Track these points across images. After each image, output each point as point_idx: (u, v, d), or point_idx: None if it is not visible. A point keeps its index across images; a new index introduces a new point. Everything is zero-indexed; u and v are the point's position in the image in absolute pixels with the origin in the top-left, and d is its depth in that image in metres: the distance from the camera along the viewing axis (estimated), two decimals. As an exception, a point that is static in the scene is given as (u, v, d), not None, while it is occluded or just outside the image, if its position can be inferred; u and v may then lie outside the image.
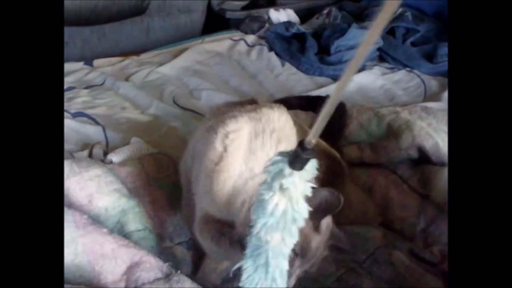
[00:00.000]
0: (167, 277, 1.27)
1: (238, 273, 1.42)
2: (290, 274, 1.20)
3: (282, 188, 0.97)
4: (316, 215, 1.17)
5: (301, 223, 1.02)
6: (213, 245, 1.31)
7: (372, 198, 1.80)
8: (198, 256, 1.50)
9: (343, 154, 1.82)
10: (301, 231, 1.14)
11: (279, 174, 0.97)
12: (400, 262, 1.50)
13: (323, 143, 1.68)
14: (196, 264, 1.50)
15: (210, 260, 1.44)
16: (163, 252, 1.49)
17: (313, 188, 1.02)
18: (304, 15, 3.55)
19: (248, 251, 1.08)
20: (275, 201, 0.98)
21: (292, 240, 1.04)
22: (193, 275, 1.43)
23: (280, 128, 1.35)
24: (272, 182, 0.98)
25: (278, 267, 1.06)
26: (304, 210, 1.01)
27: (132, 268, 1.28)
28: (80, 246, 1.29)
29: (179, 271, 1.30)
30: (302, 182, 0.98)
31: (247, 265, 1.08)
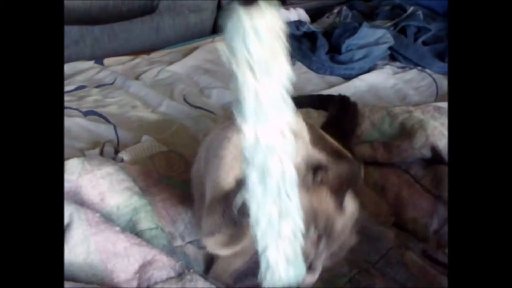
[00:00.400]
0: (180, 276, 1.26)
1: (252, 269, 1.42)
2: (317, 256, 1.20)
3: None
4: (337, 190, 1.16)
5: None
6: (219, 220, 1.27)
7: (384, 197, 1.79)
8: (210, 256, 1.49)
9: (355, 153, 1.81)
10: (323, 211, 1.14)
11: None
12: (413, 263, 1.49)
13: (335, 143, 1.67)
14: (208, 264, 1.49)
15: (222, 260, 1.43)
16: (174, 251, 1.48)
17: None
18: (315, 14, 3.54)
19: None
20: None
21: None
22: (205, 274, 1.43)
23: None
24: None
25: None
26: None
27: (144, 266, 1.27)
28: (92, 245, 1.29)
29: (191, 270, 1.29)
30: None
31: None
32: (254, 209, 1.08)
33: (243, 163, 1.06)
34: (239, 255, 1.40)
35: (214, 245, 1.32)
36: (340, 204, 1.21)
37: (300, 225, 1.11)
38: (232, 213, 1.17)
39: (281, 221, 1.08)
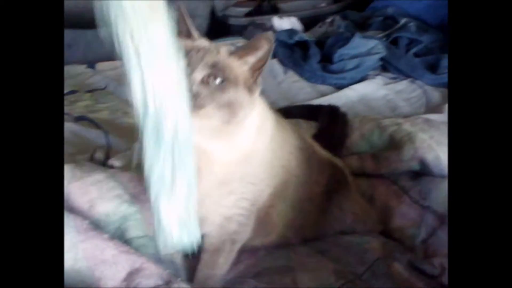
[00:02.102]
0: (167, 284, 1.26)
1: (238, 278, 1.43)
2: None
3: None
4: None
5: None
6: None
7: (372, 207, 1.80)
8: (195, 264, 1.49)
9: (344, 164, 1.82)
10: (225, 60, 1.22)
11: None
12: (399, 275, 1.49)
13: (325, 152, 1.68)
14: (193, 272, 1.50)
15: (202, 265, 1.44)
16: (162, 259, 1.48)
17: None
18: (308, 24, 3.57)
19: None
20: None
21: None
22: (190, 282, 1.43)
23: None
24: None
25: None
26: None
27: (132, 274, 1.27)
28: (80, 252, 1.29)
29: (179, 279, 1.30)
30: None
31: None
32: (148, 166, 1.09)
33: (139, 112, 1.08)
34: (218, 254, 1.43)
35: None
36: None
37: (194, 186, 1.12)
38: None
39: (175, 180, 1.09)
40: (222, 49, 1.28)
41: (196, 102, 1.18)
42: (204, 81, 1.22)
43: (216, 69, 1.23)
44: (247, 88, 1.28)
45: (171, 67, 1.07)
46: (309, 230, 1.61)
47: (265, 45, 1.27)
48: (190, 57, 1.22)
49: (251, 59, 1.29)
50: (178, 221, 1.13)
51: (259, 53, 1.28)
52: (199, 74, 1.22)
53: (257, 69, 1.30)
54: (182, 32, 1.31)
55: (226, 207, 1.41)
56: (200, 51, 1.25)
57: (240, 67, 1.28)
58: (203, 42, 1.33)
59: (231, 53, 1.28)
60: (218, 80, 1.22)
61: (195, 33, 1.34)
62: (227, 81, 1.24)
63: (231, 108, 1.25)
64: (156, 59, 1.04)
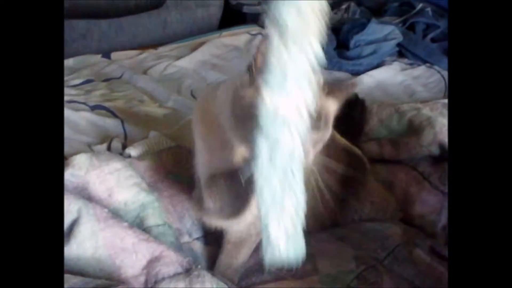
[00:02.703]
0: (187, 272, 1.26)
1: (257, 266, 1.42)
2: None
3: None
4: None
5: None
6: (225, 196, 1.29)
7: (392, 193, 1.79)
8: (214, 251, 1.49)
9: (363, 150, 1.81)
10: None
11: None
12: (421, 260, 1.49)
13: (343, 140, 1.67)
14: (212, 259, 1.49)
15: (225, 255, 1.43)
16: (181, 247, 1.48)
17: None
18: (323, 10, 3.53)
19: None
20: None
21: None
22: (209, 270, 1.42)
23: None
24: None
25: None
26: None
27: (152, 262, 1.27)
28: (100, 240, 1.29)
29: (199, 266, 1.29)
30: None
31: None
32: (260, 183, 1.07)
33: (256, 132, 1.04)
34: (242, 245, 1.41)
35: (216, 217, 1.35)
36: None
37: (302, 202, 1.11)
38: (239, 185, 1.16)
39: (284, 197, 1.07)
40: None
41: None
42: None
43: None
44: None
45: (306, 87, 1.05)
46: (328, 219, 1.60)
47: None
48: None
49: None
50: (286, 237, 1.12)
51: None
52: None
53: None
54: None
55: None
56: None
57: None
58: None
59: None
60: None
61: None
62: None
63: None
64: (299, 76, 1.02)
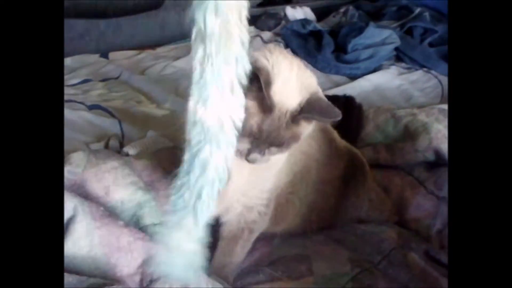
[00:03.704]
0: (183, 272, 1.25)
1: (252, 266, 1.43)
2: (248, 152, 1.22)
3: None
4: (307, 112, 1.19)
5: None
6: None
7: (387, 198, 1.79)
8: (209, 251, 1.49)
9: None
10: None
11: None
12: (415, 264, 1.49)
13: (344, 142, 1.67)
14: (208, 259, 1.49)
15: (219, 253, 1.43)
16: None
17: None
18: (321, 13, 3.55)
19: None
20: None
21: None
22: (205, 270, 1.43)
23: None
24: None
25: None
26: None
27: (147, 261, 1.27)
28: (96, 238, 1.28)
29: (195, 266, 1.29)
30: None
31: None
32: (179, 182, 1.12)
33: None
34: (235, 243, 1.43)
35: None
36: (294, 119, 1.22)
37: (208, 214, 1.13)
38: None
39: (196, 208, 1.11)
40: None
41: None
42: None
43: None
44: None
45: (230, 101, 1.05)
46: (328, 214, 1.61)
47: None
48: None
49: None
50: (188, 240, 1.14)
51: None
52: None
53: None
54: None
55: (248, 197, 1.41)
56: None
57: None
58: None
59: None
60: None
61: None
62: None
63: None
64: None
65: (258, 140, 1.20)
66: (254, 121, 1.17)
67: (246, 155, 1.22)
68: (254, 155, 1.22)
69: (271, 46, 1.28)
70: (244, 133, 1.15)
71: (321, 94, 1.24)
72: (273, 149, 1.22)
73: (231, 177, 1.24)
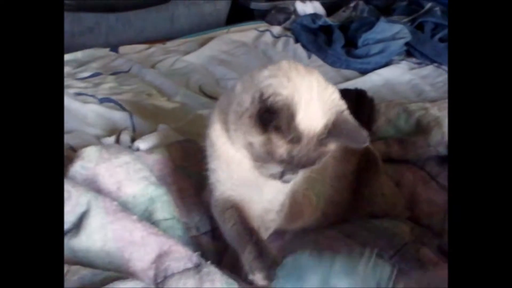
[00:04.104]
0: (197, 267, 1.25)
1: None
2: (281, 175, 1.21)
3: None
4: (334, 135, 1.17)
5: None
6: (233, 233, 1.32)
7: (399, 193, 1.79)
8: (222, 246, 1.49)
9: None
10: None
11: None
12: (428, 259, 1.49)
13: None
14: (220, 254, 1.49)
15: (232, 250, 1.43)
16: (189, 241, 1.49)
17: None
18: (331, 8, 3.53)
19: None
20: None
21: None
22: (217, 265, 1.42)
23: None
24: None
25: None
26: None
27: (161, 257, 1.27)
28: (110, 233, 1.28)
29: (209, 262, 1.28)
30: None
31: None
32: None
33: None
34: None
35: None
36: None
37: None
38: None
39: None
40: None
41: None
42: None
43: None
44: None
45: None
46: (344, 209, 1.61)
47: None
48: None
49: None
50: None
51: None
52: None
53: None
54: None
55: (268, 201, 1.40)
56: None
57: None
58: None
59: None
60: None
61: None
62: None
63: None
64: None
65: (290, 165, 1.18)
66: (283, 150, 1.15)
67: (280, 177, 1.21)
68: (288, 177, 1.21)
69: (285, 65, 1.22)
70: (275, 160, 1.16)
71: (346, 113, 1.21)
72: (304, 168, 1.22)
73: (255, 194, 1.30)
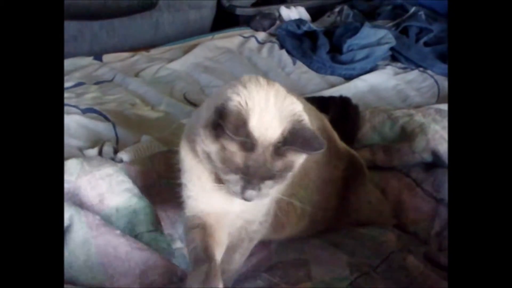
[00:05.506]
0: (182, 281, 1.24)
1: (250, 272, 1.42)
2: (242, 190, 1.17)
3: None
4: (290, 143, 1.14)
5: None
6: (191, 256, 1.28)
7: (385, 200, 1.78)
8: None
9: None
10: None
11: None
12: (415, 267, 1.48)
13: (342, 143, 1.66)
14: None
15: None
16: (174, 253, 1.47)
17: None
18: (315, 13, 3.54)
19: None
20: None
21: None
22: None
23: None
24: None
25: None
26: None
27: (146, 272, 1.26)
28: (93, 248, 1.27)
29: (193, 275, 1.27)
30: None
31: None
32: None
33: None
34: (234, 250, 1.40)
35: None
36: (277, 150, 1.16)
37: None
38: None
39: None
40: None
41: None
42: None
43: None
44: None
45: None
46: (331, 215, 1.60)
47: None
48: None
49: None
50: None
51: None
52: None
53: None
54: None
55: (249, 212, 1.37)
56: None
57: None
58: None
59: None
60: None
61: None
62: None
63: None
64: None
65: (248, 175, 1.15)
66: (238, 158, 1.13)
67: (241, 193, 1.17)
68: (249, 192, 1.16)
69: (246, 77, 1.21)
70: (231, 169, 1.14)
71: (305, 122, 1.18)
72: (268, 182, 1.17)
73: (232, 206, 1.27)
